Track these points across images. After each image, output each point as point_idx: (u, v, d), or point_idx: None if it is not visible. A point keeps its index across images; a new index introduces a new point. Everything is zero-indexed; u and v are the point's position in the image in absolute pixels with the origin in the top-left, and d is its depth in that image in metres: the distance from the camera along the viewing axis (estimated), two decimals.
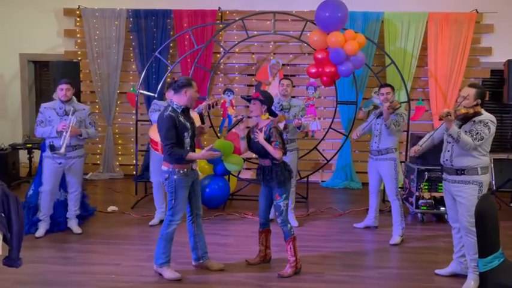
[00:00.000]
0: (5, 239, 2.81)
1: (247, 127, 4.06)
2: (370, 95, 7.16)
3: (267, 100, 3.81)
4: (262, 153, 3.83)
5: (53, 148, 4.54)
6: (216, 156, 3.75)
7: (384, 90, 4.76)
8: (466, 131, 3.48)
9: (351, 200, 6.47)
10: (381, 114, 4.71)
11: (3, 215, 2.81)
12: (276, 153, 3.73)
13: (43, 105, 4.67)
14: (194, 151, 3.76)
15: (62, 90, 4.57)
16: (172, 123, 3.56)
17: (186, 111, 3.72)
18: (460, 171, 3.55)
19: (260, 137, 3.76)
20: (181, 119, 3.63)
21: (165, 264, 3.78)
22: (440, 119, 3.42)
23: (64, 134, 4.47)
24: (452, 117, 3.38)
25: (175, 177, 3.64)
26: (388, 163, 4.71)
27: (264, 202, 4.03)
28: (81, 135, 4.65)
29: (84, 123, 4.72)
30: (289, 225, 3.89)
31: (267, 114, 3.83)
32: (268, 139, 3.76)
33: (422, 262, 4.22)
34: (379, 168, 4.79)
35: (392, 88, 4.82)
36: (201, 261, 3.96)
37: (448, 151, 3.63)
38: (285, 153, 3.82)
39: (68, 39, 7.56)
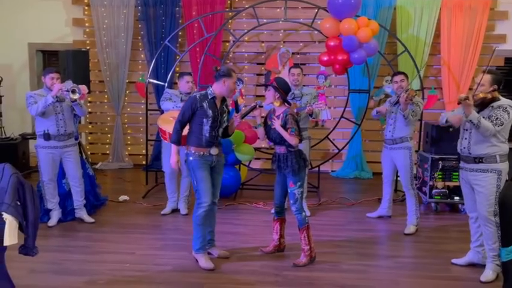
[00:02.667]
0: (20, 228, 2.79)
1: (262, 116, 4.02)
2: (382, 83, 7.07)
3: (281, 88, 3.76)
4: (278, 141, 3.80)
5: (48, 137, 4.50)
6: (177, 166, 3.85)
7: (397, 78, 4.68)
8: (484, 117, 3.41)
9: (362, 190, 6.42)
10: (396, 102, 4.63)
11: (19, 203, 2.80)
12: (292, 140, 3.69)
13: (31, 92, 4.58)
14: (215, 141, 3.75)
15: (53, 79, 4.49)
16: (190, 105, 3.69)
17: (219, 100, 3.74)
18: (478, 160, 3.49)
19: (277, 124, 3.72)
20: (205, 104, 3.67)
21: (200, 251, 3.79)
22: (458, 103, 3.35)
23: (64, 90, 4.38)
24: (471, 101, 3.30)
25: (191, 158, 3.73)
26: (403, 152, 4.63)
27: (279, 190, 3.99)
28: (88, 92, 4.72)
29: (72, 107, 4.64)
30: (303, 213, 3.87)
31: (279, 101, 3.78)
32: (284, 126, 3.71)
33: (438, 251, 4.18)
34: (393, 157, 4.72)
35: (406, 76, 4.73)
36: (207, 247, 3.97)
37: (466, 139, 3.56)
38: (300, 140, 3.78)
39: (76, 29, 7.51)
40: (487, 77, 3.47)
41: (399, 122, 4.61)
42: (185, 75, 5.06)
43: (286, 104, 3.83)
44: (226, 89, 3.72)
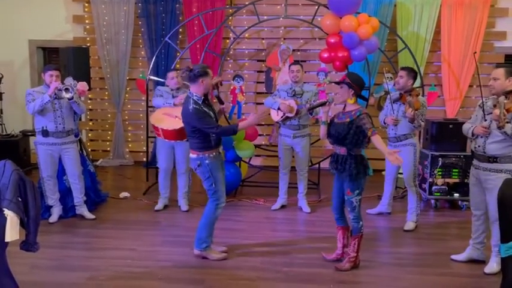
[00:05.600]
0: (22, 224, 2.81)
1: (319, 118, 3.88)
2: (382, 80, 7.06)
3: (355, 83, 3.54)
4: (340, 140, 3.57)
5: (46, 133, 4.52)
6: (264, 116, 3.73)
7: (399, 72, 4.66)
8: (509, 121, 3.33)
9: None
10: (396, 100, 4.60)
11: (20, 199, 2.81)
12: (384, 146, 3.50)
13: (30, 89, 4.60)
14: (219, 138, 3.81)
15: (52, 77, 4.48)
16: (203, 112, 3.62)
17: (206, 99, 3.74)
18: (492, 159, 3.45)
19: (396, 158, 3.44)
20: (205, 109, 3.66)
21: (209, 248, 3.86)
22: (500, 128, 3.26)
23: (58, 89, 4.37)
24: (505, 120, 3.22)
25: (207, 161, 3.70)
26: (408, 149, 4.59)
27: (337, 196, 3.76)
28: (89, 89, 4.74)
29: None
30: (361, 222, 3.66)
31: (355, 98, 3.57)
32: (351, 123, 3.50)
33: (437, 248, 4.20)
34: (399, 154, 4.69)
35: (410, 72, 4.57)
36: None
37: (481, 137, 3.51)
38: (342, 142, 3.57)
39: (76, 25, 7.50)
40: (500, 71, 3.41)
41: (402, 120, 4.56)
42: (169, 71, 5.11)
43: (361, 99, 3.64)
44: (204, 88, 3.67)
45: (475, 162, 3.62)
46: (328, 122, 3.70)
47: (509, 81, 3.39)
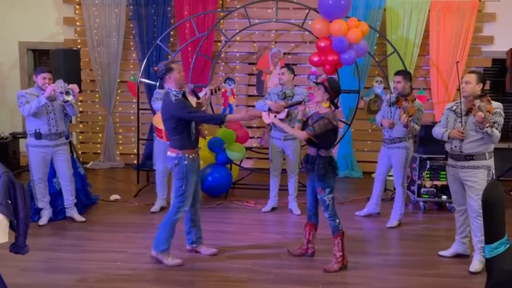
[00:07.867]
0: (11, 226, 2.80)
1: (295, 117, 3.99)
2: (372, 84, 7.14)
3: (331, 89, 3.64)
4: (310, 141, 3.68)
5: (39, 136, 4.51)
6: (255, 117, 3.91)
7: (394, 78, 4.73)
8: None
9: (352, 189, 6.48)
10: (393, 103, 4.69)
11: (9, 202, 2.81)
12: (300, 134, 3.69)
13: (22, 91, 4.57)
14: (198, 137, 3.80)
15: (45, 79, 4.49)
16: (184, 103, 3.63)
17: (184, 95, 3.76)
18: (469, 157, 3.66)
19: (277, 117, 3.74)
20: (188, 103, 3.68)
21: (166, 251, 3.80)
22: (482, 128, 3.50)
23: (58, 92, 4.38)
24: (489, 121, 3.45)
25: (185, 162, 3.68)
26: (400, 151, 4.71)
27: (310, 195, 3.89)
28: (79, 91, 4.82)
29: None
30: (337, 220, 3.75)
31: (329, 103, 3.67)
32: (306, 122, 3.70)
33: (426, 249, 4.26)
34: (391, 155, 4.79)
35: (405, 76, 4.68)
36: (194, 245, 4.01)
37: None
38: (312, 142, 3.67)
39: (67, 27, 7.49)
40: (473, 76, 3.67)
41: (397, 123, 4.63)
42: None
43: (333, 105, 3.73)
44: (175, 81, 3.67)
45: (451, 161, 3.82)
46: (304, 120, 3.84)
47: (478, 86, 3.65)
